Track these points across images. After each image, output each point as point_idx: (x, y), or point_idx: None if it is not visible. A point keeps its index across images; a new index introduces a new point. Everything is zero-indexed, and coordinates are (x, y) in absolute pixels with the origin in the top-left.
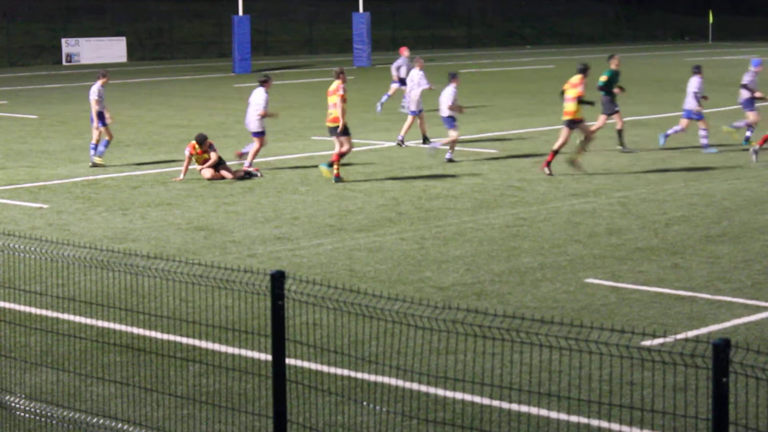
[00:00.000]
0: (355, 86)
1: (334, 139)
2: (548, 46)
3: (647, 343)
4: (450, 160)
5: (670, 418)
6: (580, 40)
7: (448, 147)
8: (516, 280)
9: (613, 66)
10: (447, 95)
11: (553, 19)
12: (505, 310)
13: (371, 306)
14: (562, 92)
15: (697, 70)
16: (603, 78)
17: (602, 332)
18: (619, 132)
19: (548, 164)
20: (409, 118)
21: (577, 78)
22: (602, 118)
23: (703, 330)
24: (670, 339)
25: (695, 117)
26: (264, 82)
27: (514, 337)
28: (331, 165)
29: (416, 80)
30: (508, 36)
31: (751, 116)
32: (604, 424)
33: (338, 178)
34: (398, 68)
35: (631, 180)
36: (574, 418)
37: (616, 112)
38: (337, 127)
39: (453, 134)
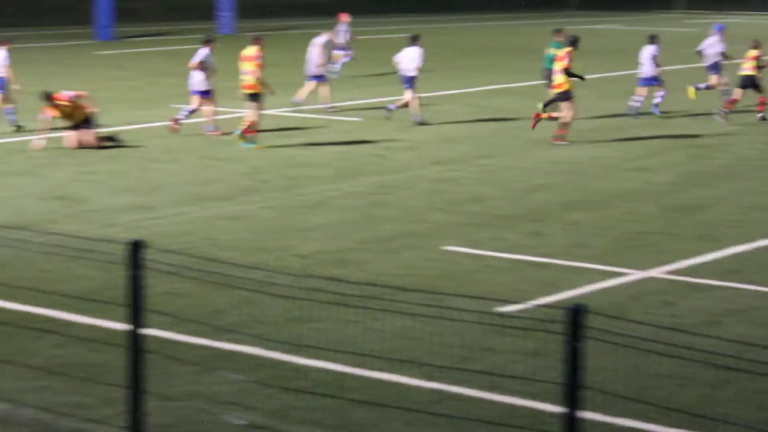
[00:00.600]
0: (220, 54)
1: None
2: (412, 14)
3: (505, 309)
4: (422, 123)
5: (527, 383)
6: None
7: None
8: (377, 248)
9: (560, 39)
10: (415, 56)
11: None
12: (365, 278)
13: (231, 275)
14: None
15: (653, 39)
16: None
17: (460, 299)
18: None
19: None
20: (313, 83)
21: (563, 51)
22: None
23: (560, 296)
24: (526, 305)
25: (655, 83)
26: (207, 42)
27: (374, 305)
28: (245, 137)
29: (320, 45)
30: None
31: (713, 79)
32: (462, 390)
33: (248, 140)
34: (338, 34)
35: (494, 148)
36: (432, 385)
37: None
38: (252, 93)
39: (409, 95)
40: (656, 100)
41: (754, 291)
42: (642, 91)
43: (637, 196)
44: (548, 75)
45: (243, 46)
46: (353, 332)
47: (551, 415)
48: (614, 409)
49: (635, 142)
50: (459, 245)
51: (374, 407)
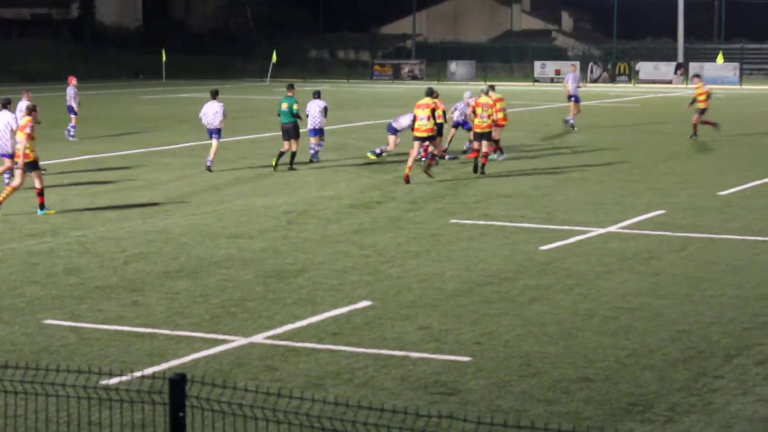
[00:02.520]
0: None
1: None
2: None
3: (109, 382)
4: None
5: None
6: (35, 77)
7: None
8: None
9: (291, 93)
10: (218, 110)
11: (6, 56)
12: None
13: None
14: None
15: (317, 94)
16: (296, 106)
17: (61, 374)
18: (291, 153)
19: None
20: None
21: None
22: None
23: (164, 366)
24: (130, 377)
25: (321, 134)
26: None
27: None
28: (42, 206)
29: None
30: None
31: (391, 141)
32: None
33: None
34: (71, 97)
35: (88, 219)
36: None
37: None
38: (27, 162)
39: (215, 143)
40: (317, 149)
41: (351, 352)
42: (313, 140)
43: (235, 262)
44: (286, 129)
45: None
46: None
47: None
48: None
49: (229, 209)
50: (58, 318)
51: None
